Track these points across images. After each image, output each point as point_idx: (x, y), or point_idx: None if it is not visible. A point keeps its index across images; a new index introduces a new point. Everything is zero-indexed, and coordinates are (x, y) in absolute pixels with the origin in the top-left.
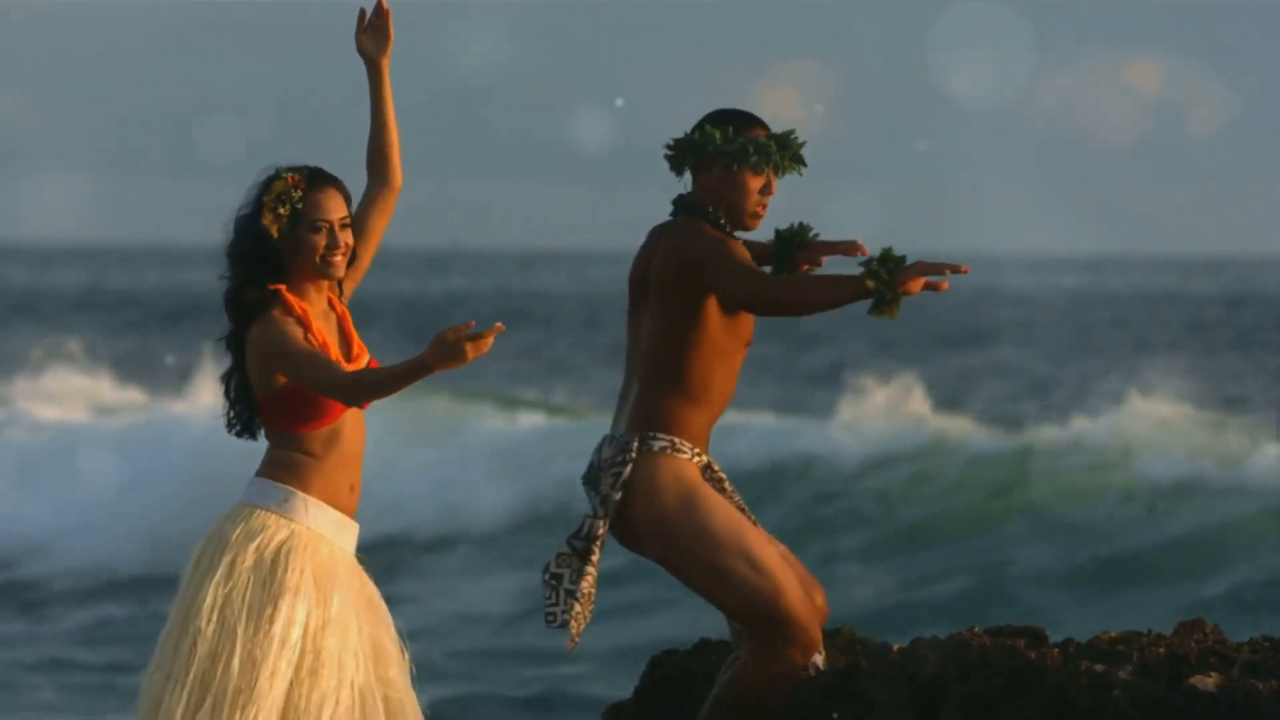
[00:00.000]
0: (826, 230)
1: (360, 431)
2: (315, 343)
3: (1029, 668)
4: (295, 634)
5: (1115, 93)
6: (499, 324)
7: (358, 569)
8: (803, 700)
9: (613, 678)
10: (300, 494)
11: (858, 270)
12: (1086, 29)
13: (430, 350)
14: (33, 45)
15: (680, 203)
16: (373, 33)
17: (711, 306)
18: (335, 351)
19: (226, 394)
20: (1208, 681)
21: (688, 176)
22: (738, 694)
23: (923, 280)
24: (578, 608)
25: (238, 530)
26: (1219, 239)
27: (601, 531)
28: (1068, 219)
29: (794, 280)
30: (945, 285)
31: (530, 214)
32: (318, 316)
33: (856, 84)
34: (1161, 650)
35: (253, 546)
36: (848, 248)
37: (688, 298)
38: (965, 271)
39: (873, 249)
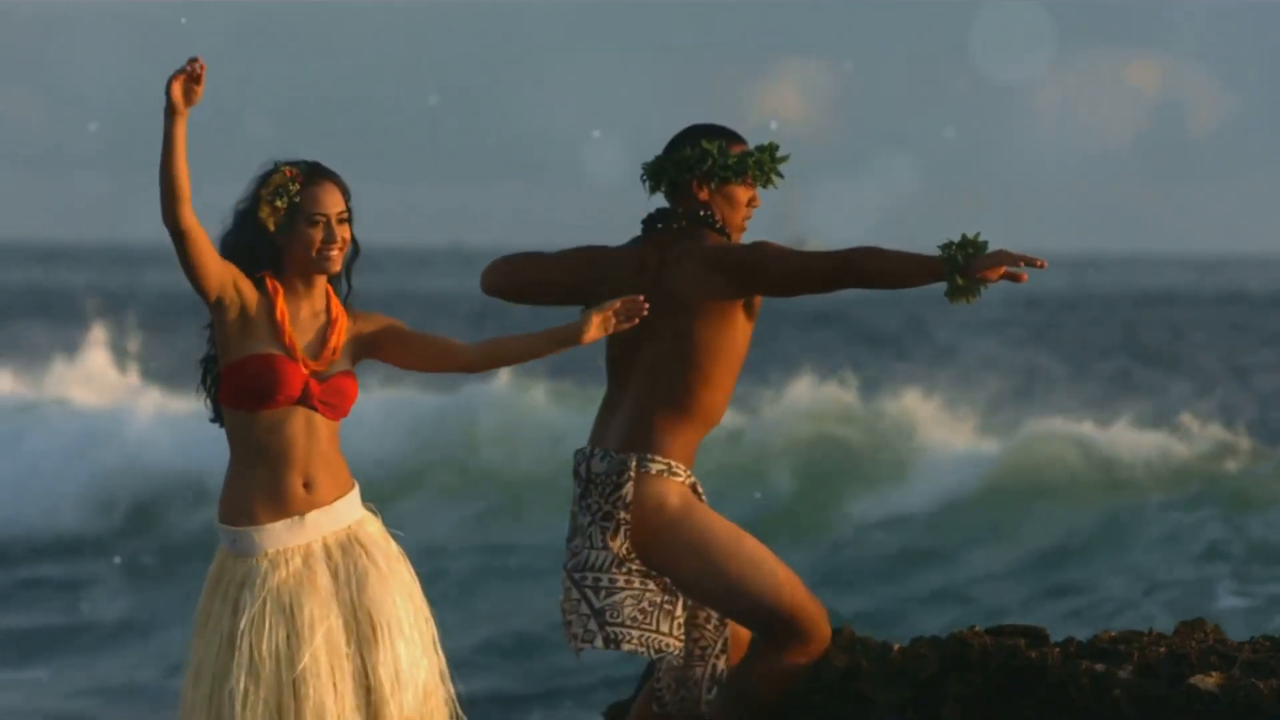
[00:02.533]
0: (827, 225)
1: (316, 434)
2: (276, 319)
3: (1029, 667)
4: (266, 664)
5: (1115, 92)
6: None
7: (356, 542)
8: (804, 700)
9: (620, 675)
10: (243, 530)
11: (937, 253)
12: (1086, 28)
13: (169, 103)
14: (38, 43)
15: (676, 216)
16: (621, 318)
17: (739, 318)
18: (292, 337)
19: (203, 381)
20: (1209, 681)
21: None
22: (747, 692)
23: (1001, 269)
24: (616, 629)
25: (209, 580)
26: (1219, 237)
27: (601, 558)
28: (1068, 217)
29: (873, 252)
30: (1025, 277)
31: (533, 213)
32: (298, 306)
33: (858, 82)
34: (1162, 649)
35: (219, 593)
36: (1030, 260)
37: (716, 309)
38: (1043, 266)
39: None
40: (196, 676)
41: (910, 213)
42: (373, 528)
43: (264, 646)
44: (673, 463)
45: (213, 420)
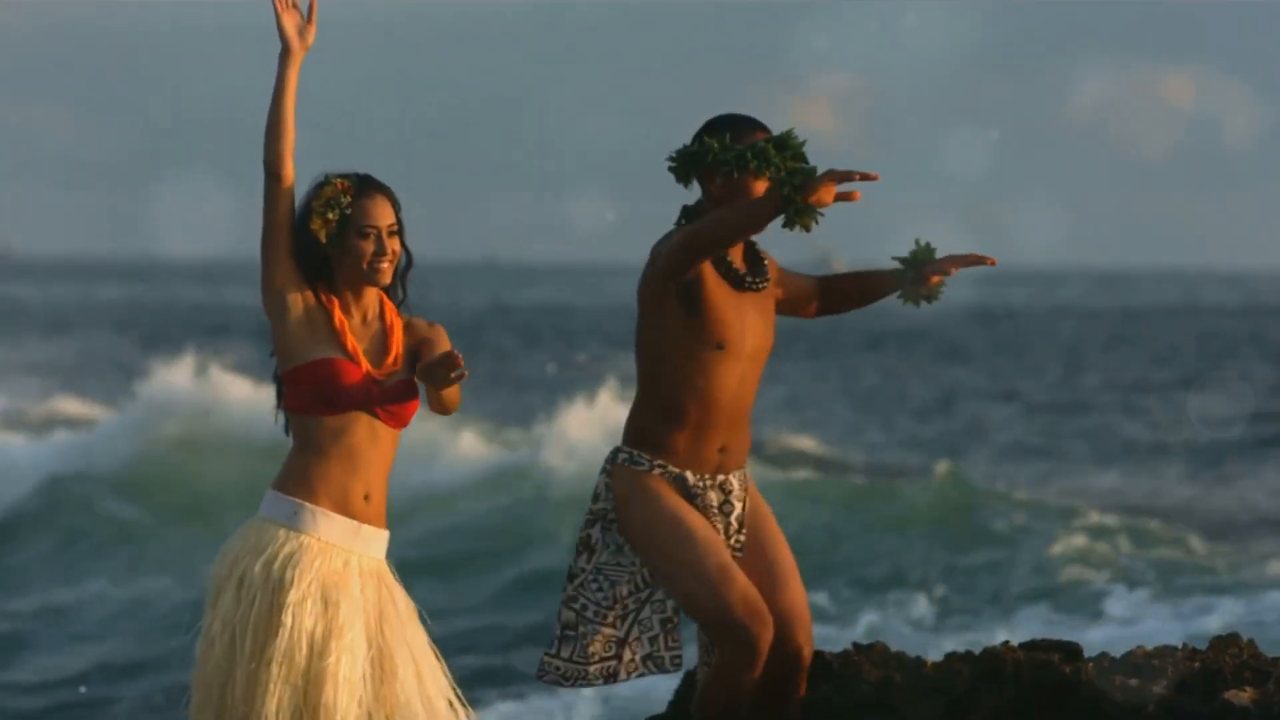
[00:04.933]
0: (860, 241)
1: (380, 443)
2: (335, 327)
3: (1063, 682)
4: (302, 648)
5: (1150, 106)
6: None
7: (381, 578)
8: (838, 714)
9: (647, 691)
10: (309, 505)
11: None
12: (1121, 43)
13: (283, 44)
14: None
15: (683, 212)
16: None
17: (670, 310)
18: (354, 343)
19: (278, 396)
20: (1243, 696)
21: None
22: (702, 700)
23: (834, 189)
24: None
25: (247, 545)
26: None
27: (583, 555)
28: (1098, 231)
29: (715, 214)
30: (857, 195)
31: (563, 227)
32: (349, 316)
33: (888, 97)
34: (1196, 665)
35: (260, 561)
36: (979, 259)
37: (650, 304)
38: (875, 179)
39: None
40: (233, 638)
41: (936, 225)
42: (391, 576)
43: (304, 629)
44: (635, 452)
45: (286, 433)
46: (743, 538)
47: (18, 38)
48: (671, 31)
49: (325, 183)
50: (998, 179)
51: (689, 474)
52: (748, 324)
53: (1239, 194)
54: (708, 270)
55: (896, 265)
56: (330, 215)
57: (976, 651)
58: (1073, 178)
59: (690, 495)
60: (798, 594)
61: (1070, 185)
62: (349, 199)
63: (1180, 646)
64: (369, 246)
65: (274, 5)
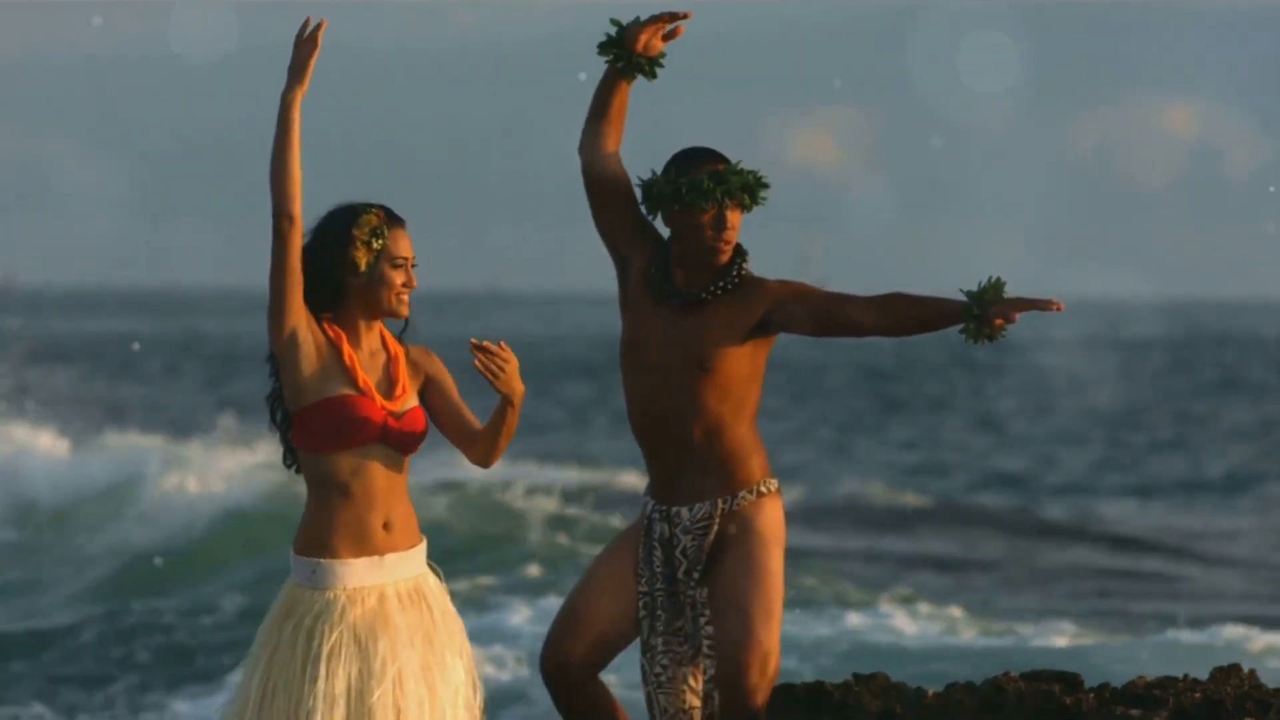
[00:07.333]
0: (858, 273)
1: (395, 471)
2: (344, 363)
3: (1065, 712)
4: (339, 690)
5: (1151, 137)
6: (323, 20)
7: (422, 596)
8: None
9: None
10: (325, 562)
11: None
12: (1123, 74)
13: (297, 81)
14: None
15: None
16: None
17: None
18: (365, 378)
19: (273, 417)
20: None
21: None
22: None
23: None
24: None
25: (281, 610)
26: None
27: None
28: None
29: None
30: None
31: (567, 256)
32: (357, 347)
33: (891, 129)
34: (1198, 695)
35: (290, 625)
36: (1044, 304)
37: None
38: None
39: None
40: (264, 694)
41: (938, 250)
42: (433, 581)
43: (340, 677)
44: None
45: (288, 465)
46: (697, 574)
47: (22, 71)
48: (680, 62)
49: (363, 211)
50: (996, 209)
51: (651, 502)
52: (654, 333)
53: (1240, 225)
54: (635, 270)
55: (963, 298)
56: (375, 244)
57: (978, 682)
58: (1073, 208)
59: (638, 528)
60: (750, 633)
61: (1070, 215)
62: (385, 229)
63: (1182, 677)
64: (400, 277)
65: (317, 39)
